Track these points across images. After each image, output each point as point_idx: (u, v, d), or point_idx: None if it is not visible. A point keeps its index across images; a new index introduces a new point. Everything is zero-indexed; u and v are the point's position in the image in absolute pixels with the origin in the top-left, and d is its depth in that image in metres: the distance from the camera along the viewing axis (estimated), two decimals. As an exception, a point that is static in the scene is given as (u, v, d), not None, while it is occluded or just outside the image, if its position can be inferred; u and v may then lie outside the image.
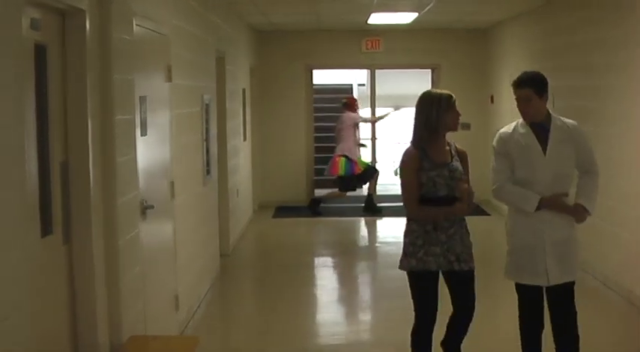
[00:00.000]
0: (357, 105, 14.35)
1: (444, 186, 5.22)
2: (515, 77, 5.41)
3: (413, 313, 5.27)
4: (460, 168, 5.32)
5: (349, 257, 10.85)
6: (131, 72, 5.48)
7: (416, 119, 5.32)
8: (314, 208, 14.05)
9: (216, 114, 9.38)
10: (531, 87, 5.35)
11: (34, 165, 4.11)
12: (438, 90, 5.44)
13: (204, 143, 8.52)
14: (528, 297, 5.47)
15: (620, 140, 8.10)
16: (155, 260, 6.21)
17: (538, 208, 5.36)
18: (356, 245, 12.04)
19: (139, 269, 5.62)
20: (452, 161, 5.31)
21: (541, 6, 10.89)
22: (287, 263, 10.28)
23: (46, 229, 4.36)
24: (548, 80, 5.39)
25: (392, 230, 12.25)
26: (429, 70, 15.28)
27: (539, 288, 5.42)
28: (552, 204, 5.36)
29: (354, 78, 20.15)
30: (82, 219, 4.76)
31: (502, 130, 5.57)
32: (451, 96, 5.28)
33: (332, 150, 17.59)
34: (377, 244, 11.89)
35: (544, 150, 5.37)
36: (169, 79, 6.72)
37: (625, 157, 8.00)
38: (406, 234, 5.35)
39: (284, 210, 14.30)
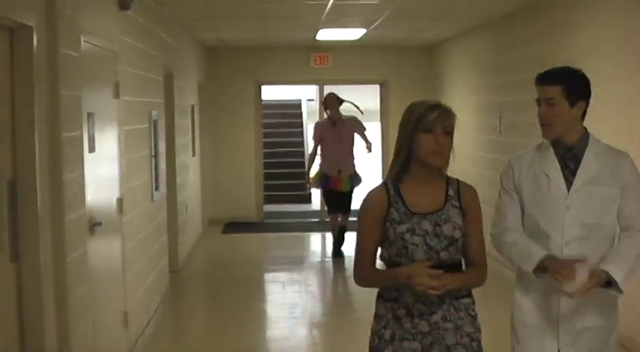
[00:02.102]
0: (328, 103, 11.48)
1: (421, 246, 3.49)
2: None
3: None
4: (456, 219, 3.54)
5: (299, 272, 10.86)
6: (78, 88, 5.47)
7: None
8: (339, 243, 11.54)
9: (164, 131, 9.36)
10: (559, 84, 3.81)
11: (-19, 182, 4.09)
12: (425, 100, 3.62)
13: (153, 159, 8.49)
14: None
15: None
16: (104, 276, 6.18)
17: (542, 270, 3.75)
18: (306, 260, 12.04)
19: (88, 286, 5.59)
20: (444, 207, 3.55)
21: (488, 23, 11.05)
22: (237, 278, 10.27)
23: (-7, 247, 4.33)
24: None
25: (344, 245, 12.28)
26: (378, 86, 15.39)
27: None
28: (556, 267, 3.66)
29: (303, 93, 20.21)
30: (30, 237, 4.73)
31: (515, 154, 4.08)
32: (431, 109, 3.50)
33: (281, 165, 17.74)
34: (326, 259, 11.91)
35: (568, 187, 3.80)
36: (117, 95, 6.70)
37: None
38: (374, 318, 3.67)
39: (233, 226, 14.28)
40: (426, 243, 3.48)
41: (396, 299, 3.55)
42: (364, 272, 3.62)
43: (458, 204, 3.56)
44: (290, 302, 9.06)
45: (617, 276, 3.65)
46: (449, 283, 3.41)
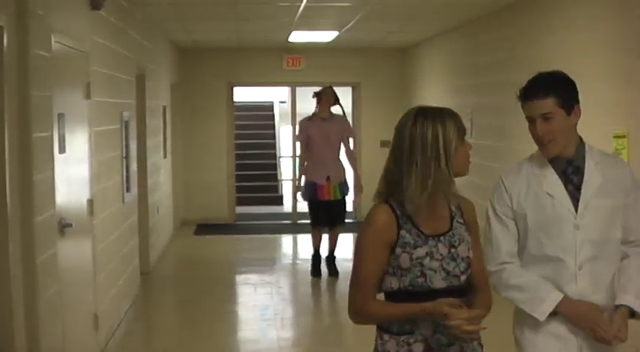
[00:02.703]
0: (322, 98, 10.06)
1: (440, 272, 3.07)
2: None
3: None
4: (467, 237, 3.16)
5: (271, 274, 10.84)
6: (49, 89, 5.43)
7: (395, 158, 3.11)
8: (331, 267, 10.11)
9: (136, 132, 9.32)
10: (552, 95, 3.38)
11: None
12: (433, 110, 3.11)
13: (124, 160, 8.45)
14: None
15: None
16: (74, 278, 6.14)
17: (553, 313, 3.39)
18: (278, 262, 12.04)
19: (58, 288, 5.55)
20: (452, 227, 3.14)
21: (461, 25, 11.09)
22: (208, 280, 10.25)
23: (-39, 248, 4.29)
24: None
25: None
26: (350, 88, 15.40)
27: None
28: (579, 315, 3.36)
29: (276, 95, 20.19)
30: (-2, 238, 4.70)
31: (506, 171, 3.63)
32: (456, 119, 3.10)
33: (253, 167, 17.70)
34: (297, 261, 11.91)
35: (575, 204, 3.41)
36: (88, 96, 6.66)
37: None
38: None
39: (206, 228, 14.24)
40: (443, 268, 3.06)
41: (411, 331, 3.08)
42: (369, 308, 3.09)
43: (462, 221, 3.17)
44: (261, 304, 9.04)
45: (638, 306, 3.38)
46: (482, 321, 3.01)
